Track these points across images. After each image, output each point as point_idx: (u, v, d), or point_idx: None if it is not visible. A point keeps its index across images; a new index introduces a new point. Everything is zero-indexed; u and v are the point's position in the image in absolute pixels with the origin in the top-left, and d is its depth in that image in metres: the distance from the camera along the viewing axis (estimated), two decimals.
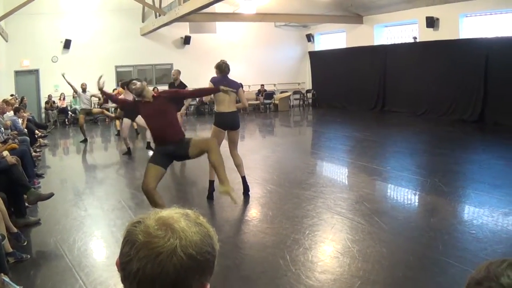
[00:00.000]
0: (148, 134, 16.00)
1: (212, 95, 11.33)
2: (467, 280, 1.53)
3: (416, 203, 10.70)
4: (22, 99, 22.20)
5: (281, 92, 32.20)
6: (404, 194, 11.35)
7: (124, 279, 1.64)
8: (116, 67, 29.08)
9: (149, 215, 1.68)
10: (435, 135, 19.39)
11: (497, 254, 7.03)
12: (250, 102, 30.33)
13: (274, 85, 32.27)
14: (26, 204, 9.45)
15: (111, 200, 10.96)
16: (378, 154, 16.01)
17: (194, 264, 1.59)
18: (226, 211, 10.02)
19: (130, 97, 13.76)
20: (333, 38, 33.03)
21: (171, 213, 1.69)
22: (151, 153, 11.94)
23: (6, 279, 5.95)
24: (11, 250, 7.31)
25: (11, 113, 16.18)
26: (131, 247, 1.61)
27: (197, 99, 28.57)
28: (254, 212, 10.09)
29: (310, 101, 33.60)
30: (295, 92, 32.66)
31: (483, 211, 9.50)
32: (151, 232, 1.60)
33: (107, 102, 23.67)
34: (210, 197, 10.95)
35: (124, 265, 1.62)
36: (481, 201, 10.09)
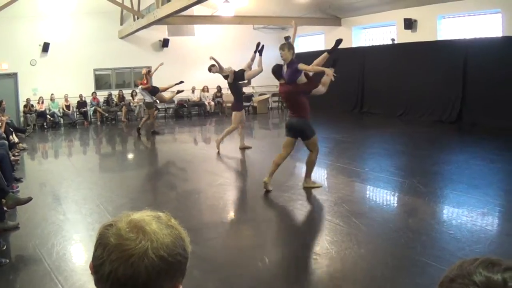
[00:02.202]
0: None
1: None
2: (441, 278, 1.53)
3: (395, 204, 10.73)
4: (0, 102, 22.07)
5: (260, 95, 32.19)
6: (382, 196, 11.39)
7: (97, 282, 1.65)
8: (95, 70, 28.95)
9: (121, 218, 1.69)
10: (413, 136, 19.46)
11: (475, 253, 7.05)
12: (229, 104, 30.38)
13: (253, 87, 32.20)
14: (5, 208, 9.36)
15: (89, 204, 10.91)
16: (356, 156, 16.05)
17: (166, 266, 1.61)
18: (204, 214, 10.03)
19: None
20: (311, 41, 33.09)
21: (143, 215, 1.71)
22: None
23: None
24: None
25: None
26: (103, 250, 1.62)
27: (176, 101, 28.54)
28: (232, 214, 10.11)
29: None
30: (273, 95, 32.59)
31: (461, 211, 9.55)
32: (123, 234, 1.62)
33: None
34: None
35: (97, 268, 1.63)
36: (459, 202, 10.14)
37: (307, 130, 11.23)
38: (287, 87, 11.18)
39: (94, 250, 1.66)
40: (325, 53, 11.91)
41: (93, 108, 28.05)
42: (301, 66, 10.89)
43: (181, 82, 22.20)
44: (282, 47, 11.26)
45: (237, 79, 17.04)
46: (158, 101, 23.43)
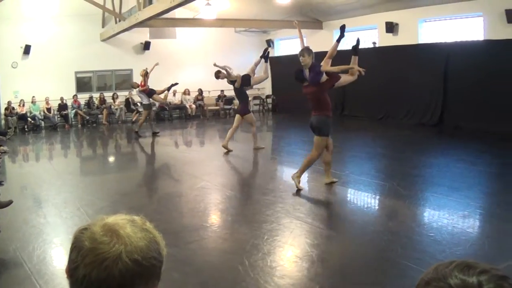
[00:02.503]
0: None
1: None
2: (418, 281, 1.53)
3: (375, 207, 10.76)
4: None
5: None
6: (363, 198, 11.39)
7: (72, 286, 1.64)
8: (76, 72, 28.77)
9: (96, 222, 1.70)
10: (394, 139, 19.51)
11: (455, 256, 7.07)
12: (210, 107, 30.36)
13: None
14: None
15: (70, 207, 10.84)
16: (337, 159, 16.00)
17: (140, 269, 1.60)
18: (185, 217, 9.99)
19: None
20: (293, 44, 33.08)
21: (117, 219, 1.71)
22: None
23: None
24: None
25: None
26: (78, 253, 1.62)
27: (157, 104, 28.51)
28: (213, 218, 10.07)
29: (270, 106, 33.74)
30: (254, 98, 32.61)
31: (442, 214, 9.57)
32: (97, 238, 1.62)
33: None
34: None
35: (71, 271, 1.63)
36: (440, 204, 10.17)
37: (323, 127, 11.71)
38: (312, 88, 11.77)
39: (69, 254, 1.66)
40: (335, 42, 12.39)
41: (74, 111, 27.87)
42: (324, 68, 11.57)
43: (176, 83, 22.33)
44: (302, 54, 11.81)
45: (243, 84, 17.33)
46: (155, 102, 23.40)
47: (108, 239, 1.60)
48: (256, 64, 18.21)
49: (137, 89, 22.55)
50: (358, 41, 12.40)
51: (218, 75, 17.91)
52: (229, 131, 17.52)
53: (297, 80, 12.15)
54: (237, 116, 17.57)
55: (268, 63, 17.97)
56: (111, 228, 1.64)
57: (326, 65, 11.67)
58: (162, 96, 23.38)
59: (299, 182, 11.67)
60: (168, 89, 23.13)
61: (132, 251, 1.60)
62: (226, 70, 17.47)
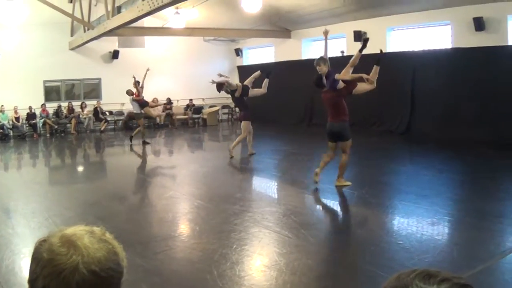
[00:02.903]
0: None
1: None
2: None
3: (343, 215, 10.79)
4: None
5: (210, 107, 32.13)
6: (331, 207, 11.43)
7: None
8: (45, 81, 28.56)
9: (54, 233, 1.70)
10: (362, 147, 19.51)
11: (424, 263, 7.09)
12: (178, 117, 30.29)
13: (203, 99, 32.23)
14: None
15: (38, 218, 10.73)
16: (305, 168, 16.06)
17: (98, 280, 1.60)
18: (153, 227, 9.94)
19: None
20: (261, 53, 33.18)
21: (76, 230, 1.71)
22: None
23: None
24: None
25: None
26: (37, 265, 1.63)
27: (126, 113, 28.43)
28: (181, 227, 10.01)
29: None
30: (223, 107, 32.68)
31: (410, 221, 9.60)
32: (55, 249, 1.62)
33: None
34: None
35: (32, 283, 1.63)
36: (408, 212, 10.20)
37: (345, 132, 12.51)
38: (330, 93, 12.59)
39: (30, 265, 1.66)
40: (357, 53, 12.82)
41: (42, 120, 27.71)
42: (338, 76, 12.35)
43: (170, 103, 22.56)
44: (318, 63, 12.54)
45: (243, 94, 17.75)
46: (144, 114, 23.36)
47: (65, 250, 1.60)
48: (255, 78, 18.45)
49: (132, 97, 22.51)
50: (381, 52, 13.83)
51: (220, 87, 18.21)
52: (239, 138, 18.02)
53: (317, 86, 13.03)
54: (243, 123, 17.93)
55: (267, 81, 18.41)
56: (68, 240, 1.64)
57: (346, 73, 12.42)
58: (154, 111, 23.48)
59: (345, 181, 12.50)
60: (164, 108, 23.18)
61: (89, 262, 1.59)
62: (227, 81, 17.93)
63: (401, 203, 11.00)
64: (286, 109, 27.54)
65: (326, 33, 13.56)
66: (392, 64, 21.69)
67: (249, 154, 17.94)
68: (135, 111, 22.99)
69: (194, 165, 17.47)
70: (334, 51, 26.08)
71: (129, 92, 22.75)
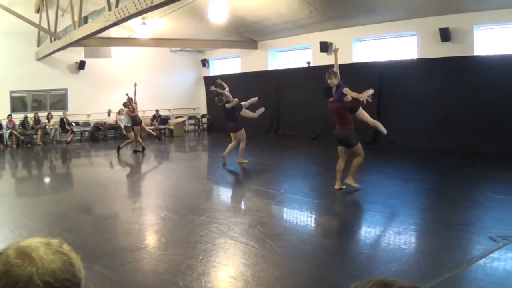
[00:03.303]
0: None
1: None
2: None
3: (310, 225, 10.77)
4: None
5: (176, 117, 32.07)
6: (297, 217, 11.41)
7: None
8: (11, 92, 28.33)
9: (11, 245, 1.71)
10: (328, 157, 19.55)
11: (390, 272, 7.12)
12: (149, 128, 30.18)
13: (169, 110, 32.20)
14: None
15: (3, 230, 10.60)
16: (271, 178, 16.10)
17: None
18: (119, 239, 9.86)
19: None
20: (228, 63, 33.23)
21: (31, 241, 1.72)
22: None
23: None
24: None
25: None
26: None
27: (92, 124, 28.38)
28: (148, 239, 9.95)
29: (205, 126, 33.73)
30: (190, 117, 32.70)
31: (376, 231, 9.65)
32: (10, 261, 1.63)
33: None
34: None
35: None
36: (374, 221, 10.25)
37: (350, 140, 13.18)
38: (337, 104, 13.19)
39: None
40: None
41: (9, 131, 27.40)
42: (345, 90, 13.01)
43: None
44: (329, 77, 13.29)
45: (234, 109, 18.17)
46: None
47: (20, 262, 1.61)
48: (251, 103, 18.92)
49: (126, 110, 22.60)
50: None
51: (220, 99, 18.34)
52: (242, 146, 18.30)
53: (325, 96, 13.61)
54: (239, 133, 18.23)
55: (263, 110, 19.21)
56: (23, 251, 1.65)
57: (348, 90, 13.05)
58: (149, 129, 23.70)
59: (355, 183, 13.13)
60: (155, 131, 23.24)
61: (43, 273, 1.60)
62: (224, 93, 18.23)
63: (368, 213, 11.08)
64: (252, 119, 27.57)
65: (336, 51, 14.74)
66: (358, 75, 21.81)
67: (239, 163, 18.20)
68: (125, 124, 23.00)
69: (160, 176, 17.43)
70: (300, 62, 26.26)
71: (126, 105, 22.74)
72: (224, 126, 25.62)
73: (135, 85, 22.60)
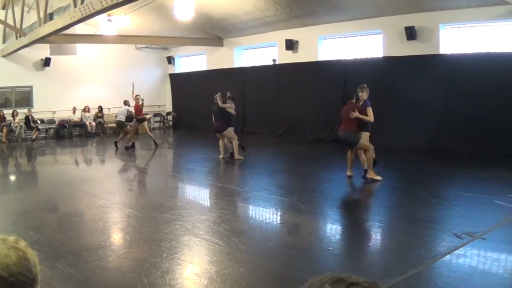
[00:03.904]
0: None
1: None
2: None
3: (274, 223, 10.78)
4: None
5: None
6: (262, 214, 11.42)
7: None
8: None
9: None
10: (293, 155, 19.70)
11: (355, 269, 7.21)
12: (110, 125, 30.01)
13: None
14: None
15: None
16: (237, 175, 16.13)
17: (7, 285, 1.64)
18: (83, 236, 9.80)
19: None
20: (193, 61, 33.17)
21: None
22: None
23: None
24: None
25: None
26: None
27: (57, 122, 28.24)
28: (112, 237, 9.89)
29: (171, 123, 33.69)
30: (155, 115, 32.61)
31: (341, 228, 9.74)
32: None
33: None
34: None
35: None
36: (339, 218, 10.35)
37: (351, 139, 13.99)
38: (354, 106, 14.12)
39: None
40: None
41: None
42: (368, 110, 14.13)
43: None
44: (362, 90, 14.48)
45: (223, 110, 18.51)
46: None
47: None
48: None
49: (129, 108, 23.03)
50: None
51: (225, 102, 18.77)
52: (235, 143, 18.54)
53: (345, 97, 14.78)
54: (226, 131, 18.58)
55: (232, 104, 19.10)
56: None
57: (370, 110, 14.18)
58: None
59: (376, 175, 13.84)
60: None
61: None
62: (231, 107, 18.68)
63: (332, 210, 11.12)
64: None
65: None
66: (323, 73, 21.92)
67: (223, 158, 18.56)
68: (119, 119, 23.11)
69: (125, 174, 17.38)
70: (267, 60, 26.27)
71: (128, 103, 22.91)
72: (190, 124, 25.63)
73: (133, 84, 22.66)
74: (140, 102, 22.44)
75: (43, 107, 28.82)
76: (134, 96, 22.66)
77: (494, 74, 17.19)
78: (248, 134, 26.03)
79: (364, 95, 14.30)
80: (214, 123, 18.67)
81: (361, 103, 14.27)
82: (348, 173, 14.33)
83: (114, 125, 28.56)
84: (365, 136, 14.09)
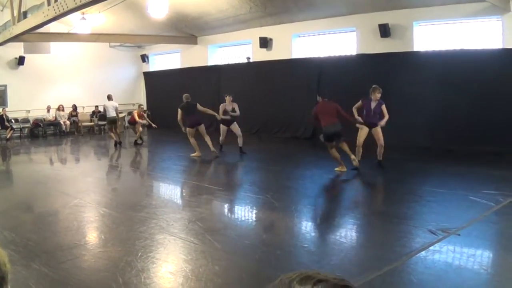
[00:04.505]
0: None
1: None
2: None
3: (249, 220, 10.78)
4: None
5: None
6: (237, 212, 11.44)
7: None
8: None
9: None
10: (268, 152, 19.73)
11: (330, 266, 7.20)
12: (84, 124, 29.90)
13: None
14: None
15: None
16: (211, 173, 16.13)
17: None
18: (58, 236, 9.74)
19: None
20: (168, 59, 33.12)
21: None
22: None
23: None
24: None
25: None
26: None
27: (31, 121, 28.13)
28: (87, 236, 9.84)
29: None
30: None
31: (316, 225, 9.75)
32: None
33: None
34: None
35: None
36: (313, 215, 10.36)
37: (340, 129, 14.76)
38: (332, 104, 14.99)
39: None
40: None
41: None
42: (383, 107, 15.33)
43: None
44: (374, 91, 15.16)
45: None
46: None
47: None
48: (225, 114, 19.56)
49: (115, 104, 23.32)
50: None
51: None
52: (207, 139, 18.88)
53: (363, 101, 15.47)
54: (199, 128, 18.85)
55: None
56: None
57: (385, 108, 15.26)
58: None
59: (356, 160, 14.77)
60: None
61: None
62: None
63: (307, 207, 11.14)
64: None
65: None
66: (297, 71, 21.96)
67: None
68: (110, 115, 23.28)
69: (100, 172, 17.30)
70: (241, 58, 26.29)
71: (110, 97, 23.17)
72: (164, 122, 25.64)
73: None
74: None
75: (17, 106, 28.56)
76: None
77: (468, 71, 17.29)
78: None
79: (376, 96, 15.08)
80: (188, 119, 18.66)
81: (374, 103, 15.15)
82: (355, 163, 14.71)
83: (89, 123, 28.54)
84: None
